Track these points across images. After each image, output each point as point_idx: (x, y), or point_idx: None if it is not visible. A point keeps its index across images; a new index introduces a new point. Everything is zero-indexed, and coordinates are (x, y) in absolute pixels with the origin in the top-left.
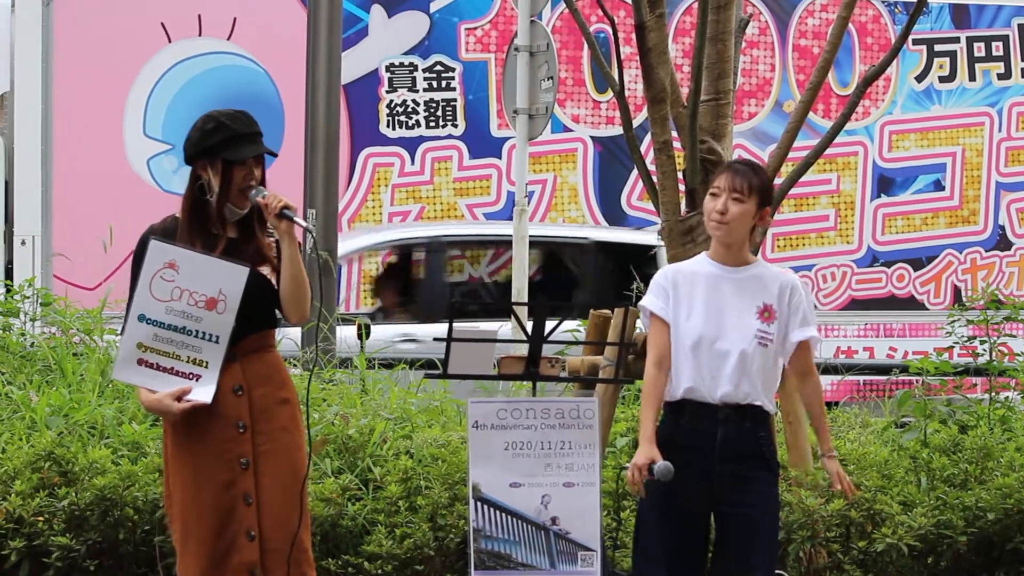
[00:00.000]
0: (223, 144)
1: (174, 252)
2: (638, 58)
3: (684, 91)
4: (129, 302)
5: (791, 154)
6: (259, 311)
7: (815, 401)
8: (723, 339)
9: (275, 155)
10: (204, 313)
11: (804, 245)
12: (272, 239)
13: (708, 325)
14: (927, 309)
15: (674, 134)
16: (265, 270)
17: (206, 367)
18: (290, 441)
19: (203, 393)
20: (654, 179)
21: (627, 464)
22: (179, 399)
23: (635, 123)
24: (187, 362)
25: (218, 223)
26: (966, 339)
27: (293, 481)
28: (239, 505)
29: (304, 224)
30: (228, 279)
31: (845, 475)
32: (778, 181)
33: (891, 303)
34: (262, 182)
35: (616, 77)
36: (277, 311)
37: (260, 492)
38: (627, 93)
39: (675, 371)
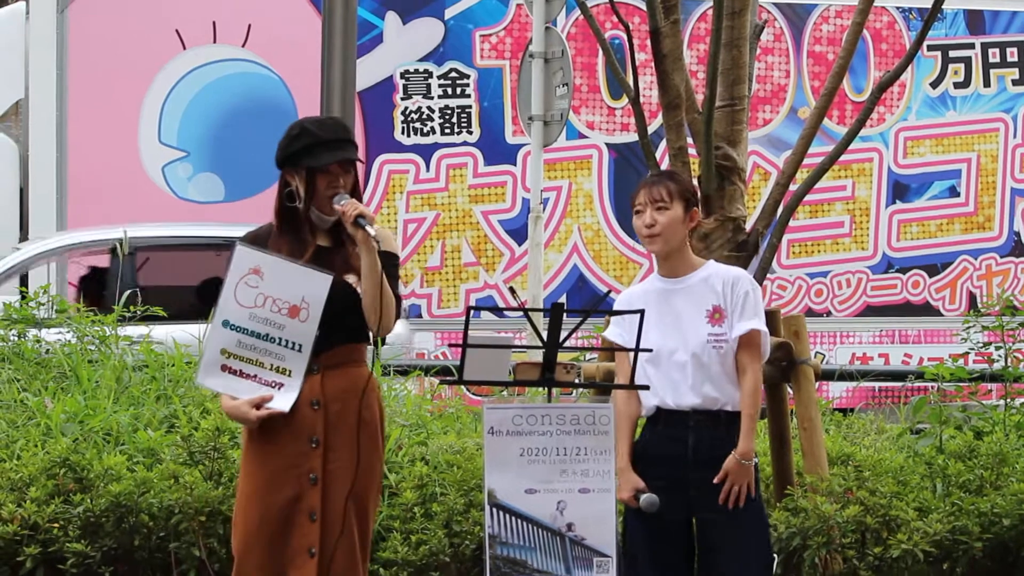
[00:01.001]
0: (306, 150)
1: (259, 258)
2: (653, 64)
3: (699, 97)
4: (215, 307)
5: (806, 160)
6: (343, 322)
7: (744, 398)
8: (680, 350)
9: (361, 161)
10: (287, 320)
11: (819, 252)
12: (357, 249)
13: (664, 339)
14: (942, 315)
15: (689, 140)
16: (352, 279)
17: (289, 375)
18: (364, 462)
19: (283, 402)
20: None
21: None
22: (259, 407)
23: (650, 129)
24: (270, 370)
25: (307, 230)
26: (981, 345)
27: (357, 502)
28: (304, 521)
29: (372, 233)
30: (311, 287)
31: (732, 480)
32: (793, 187)
33: (906, 309)
34: (353, 190)
35: (631, 83)
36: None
37: (326, 510)
38: (642, 99)
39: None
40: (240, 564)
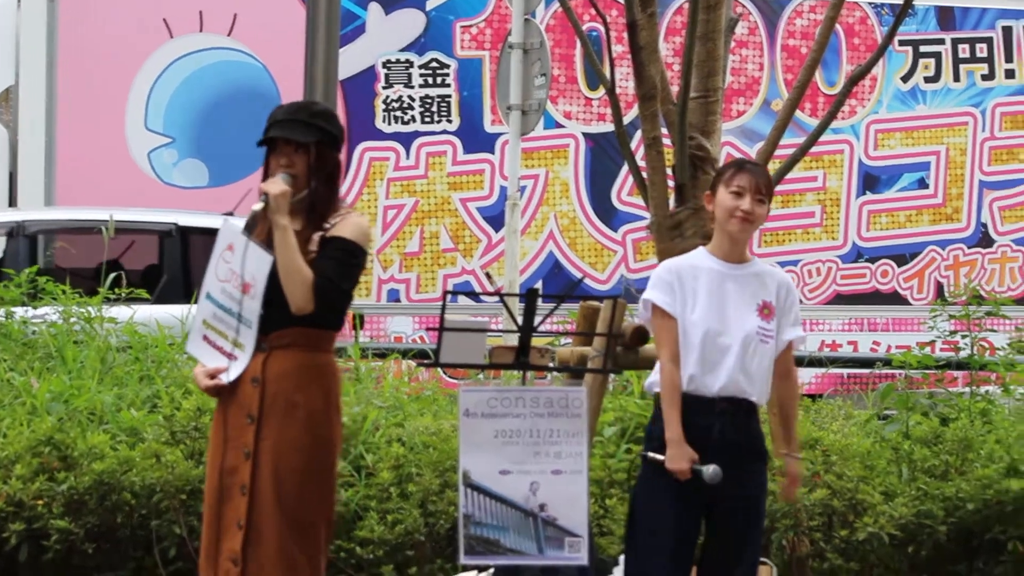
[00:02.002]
0: (267, 130)
1: (233, 235)
2: (629, 56)
3: (674, 89)
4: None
5: (778, 151)
6: (284, 304)
7: (791, 402)
8: (726, 334)
9: (300, 142)
10: (242, 296)
11: (790, 241)
12: (319, 233)
13: (711, 319)
14: (910, 304)
15: (664, 131)
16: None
17: (242, 350)
18: (295, 442)
19: (229, 375)
20: (644, 175)
21: (615, 455)
22: (214, 376)
23: (626, 120)
24: (231, 343)
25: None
26: (948, 333)
27: (286, 477)
28: (236, 494)
29: (254, 208)
30: (257, 265)
31: (799, 482)
32: None
33: (875, 298)
34: (322, 169)
35: (608, 75)
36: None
37: (256, 485)
38: (618, 90)
39: (682, 363)
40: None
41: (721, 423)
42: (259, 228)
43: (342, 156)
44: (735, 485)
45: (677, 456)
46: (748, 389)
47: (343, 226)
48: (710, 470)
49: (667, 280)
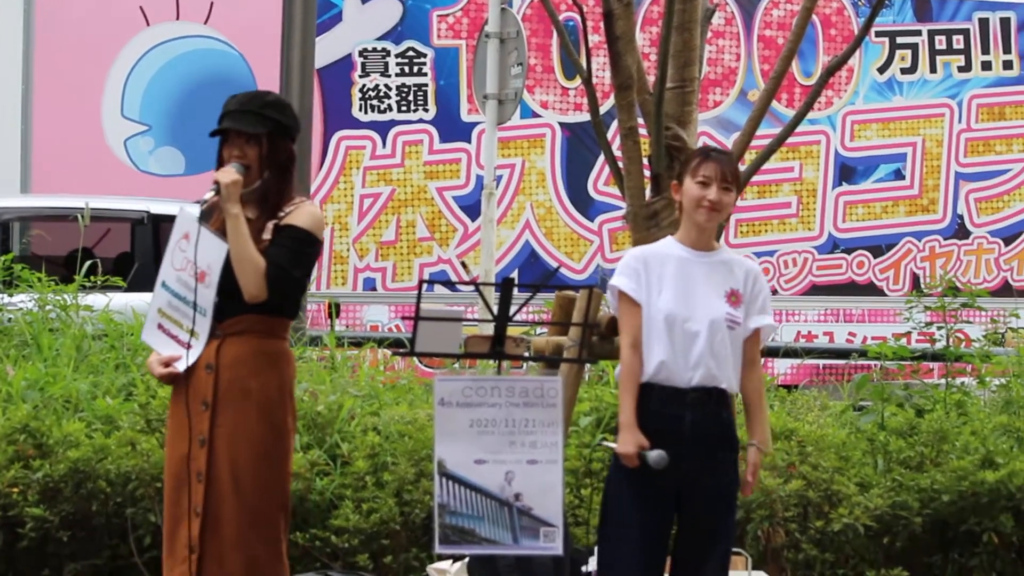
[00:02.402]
0: (219, 121)
1: (189, 223)
2: (605, 46)
3: (651, 79)
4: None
5: (754, 142)
6: (237, 292)
7: (757, 391)
8: (693, 320)
9: (252, 133)
10: (198, 285)
11: (766, 231)
12: (272, 222)
13: (678, 305)
14: (886, 295)
15: (640, 121)
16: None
17: (197, 339)
18: (248, 430)
19: (183, 363)
20: (620, 164)
21: (591, 444)
22: (168, 365)
23: (602, 110)
24: (185, 331)
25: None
26: (924, 325)
27: (243, 465)
28: (193, 481)
29: (203, 198)
30: (212, 253)
31: (758, 472)
32: (742, 168)
33: (851, 289)
34: (270, 161)
35: (584, 64)
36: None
37: (212, 472)
38: (595, 80)
39: (646, 349)
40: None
41: (693, 413)
42: (214, 217)
43: (318, 144)
44: (707, 475)
45: (626, 441)
46: (719, 376)
47: (296, 215)
48: (654, 455)
49: (633, 267)
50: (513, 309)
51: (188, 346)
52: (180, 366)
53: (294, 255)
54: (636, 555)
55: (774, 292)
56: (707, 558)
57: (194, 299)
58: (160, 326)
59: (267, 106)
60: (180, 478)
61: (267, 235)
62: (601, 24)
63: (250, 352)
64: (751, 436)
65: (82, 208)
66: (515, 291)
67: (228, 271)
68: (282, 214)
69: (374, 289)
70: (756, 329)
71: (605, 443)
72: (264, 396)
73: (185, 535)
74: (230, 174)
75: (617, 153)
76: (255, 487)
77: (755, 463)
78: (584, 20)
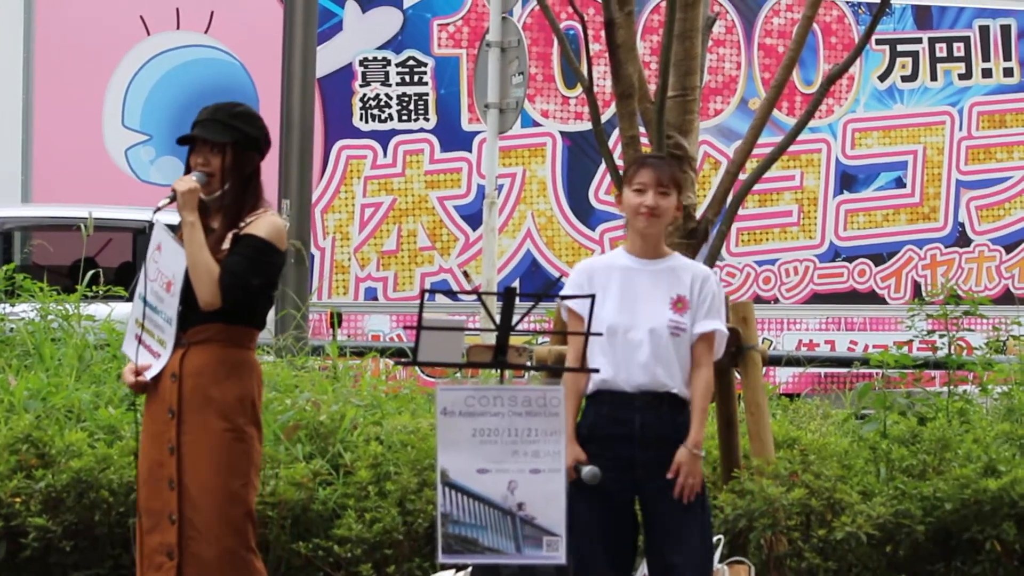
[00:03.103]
0: (191, 129)
1: (161, 235)
2: (606, 55)
3: (652, 87)
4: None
5: (756, 150)
6: (195, 301)
7: (700, 393)
8: (636, 328)
9: (213, 139)
10: (165, 295)
11: (767, 240)
12: (232, 232)
13: (621, 315)
14: (887, 303)
15: (641, 129)
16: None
17: (165, 347)
18: (214, 438)
19: (152, 372)
20: (621, 173)
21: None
22: (140, 374)
23: (603, 119)
24: (156, 340)
25: (201, 210)
26: (926, 333)
27: (208, 471)
28: (164, 488)
29: (157, 205)
30: (176, 262)
31: (686, 473)
32: (743, 177)
33: (852, 297)
34: (233, 171)
35: (585, 73)
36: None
37: (183, 479)
38: (595, 89)
39: (590, 361)
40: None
41: (642, 416)
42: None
43: (318, 154)
44: (658, 476)
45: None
46: (668, 382)
47: (256, 224)
48: (586, 470)
49: (577, 281)
50: (515, 319)
51: (157, 355)
52: (148, 375)
53: (250, 263)
54: (601, 554)
55: (775, 301)
56: (670, 555)
57: (163, 308)
58: (138, 337)
59: (235, 116)
60: (152, 485)
61: (226, 244)
62: (601, 33)
63: (212, 361)
64: (687, 438)
65: (85, 218)
66: (517, 300)
67: (189, 279)
68: (243, 224)
69: (375, 299)
70: (703, 334)
71: None
72: (224, 404)
73: (159, 541)
74: (188, 182)
75: (619, 162)
76: (224, 493)
77: (678, 463)
78: (585, 29)
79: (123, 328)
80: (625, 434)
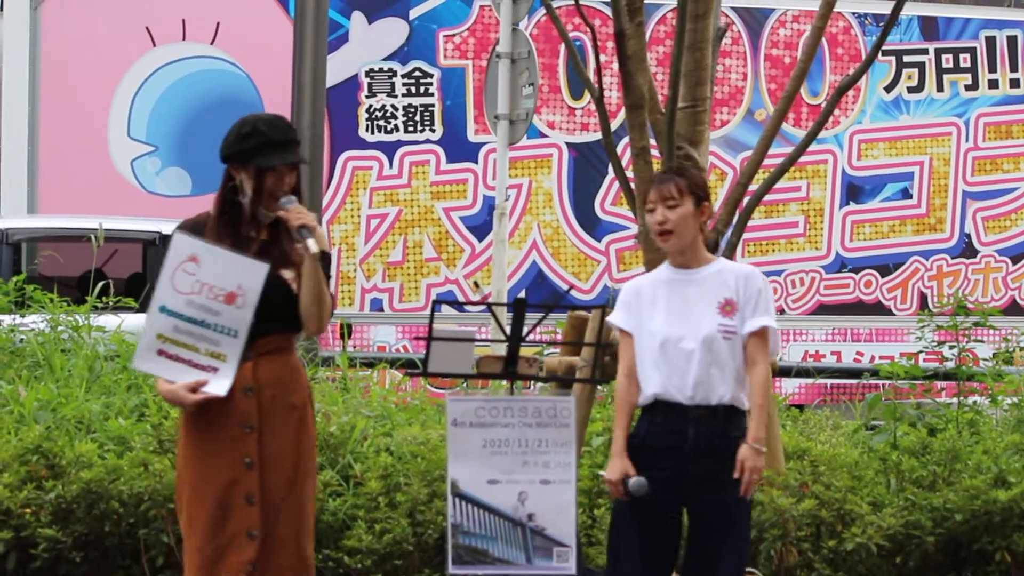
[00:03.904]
0: (257, 150)
1: (196, 246)
2: (613, 66)
3: (661, 98)
4: (153, 293)
5: (764, 161)
6: (275, 313)
7: (755, 390)
8: (687, 338)
9: (306, 162)
10: (223, 307)
11: (774, 251)
12: (299, 245)
13: (671, 327)
14: (894, 315)
15: (652, 140)
16: (288, 275)
17: (224, 360)
18: (298, 446)
19: (218, 386)
20: (631, 184)
21: (603, 464)
22: (195, 391)
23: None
24: (205, 355)
25: (249, 224)
26: (935, 344)
27: (294, 484)
28: (241, 504)
29: (313, 249)
30: (247, 274)
31: (750, 468)
32: (752, 188)
33: (858, 308)
34: (295, 189)
35: (595, 83)
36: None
37: (264, 493)
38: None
39: (642, 377)
40: (186, 549)
41: (696, 429)
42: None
43: (326, 164)
44: (714, 489)
45: (613, 468)
46: (721, 390)
47: (322, 239)
48: (633, 482)
49: (625, 300)
50: (525, 329)
51: (212, 369)
52: (218, 389)
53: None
54: (640, 570)
55: (781, 312)
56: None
57: (216, 321)
58: (162, 352)
59: (296, 132)
60: (225, 503)
61: (300, 258)
62: (608, 44)
63: (286, 369)
64: (748, 433)
65: (95, 229)
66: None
67: (263, 293)
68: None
69: (381, 309)
70: (754, 331)
71: (598, 471)
72: (302, 410)
73: (237, 559)
74: (305, 213)
75: (628, 173)
76: (303, 500)
77: (742, 459)
78: (596, 39)
79: (133, 339)
80: (678, 445)
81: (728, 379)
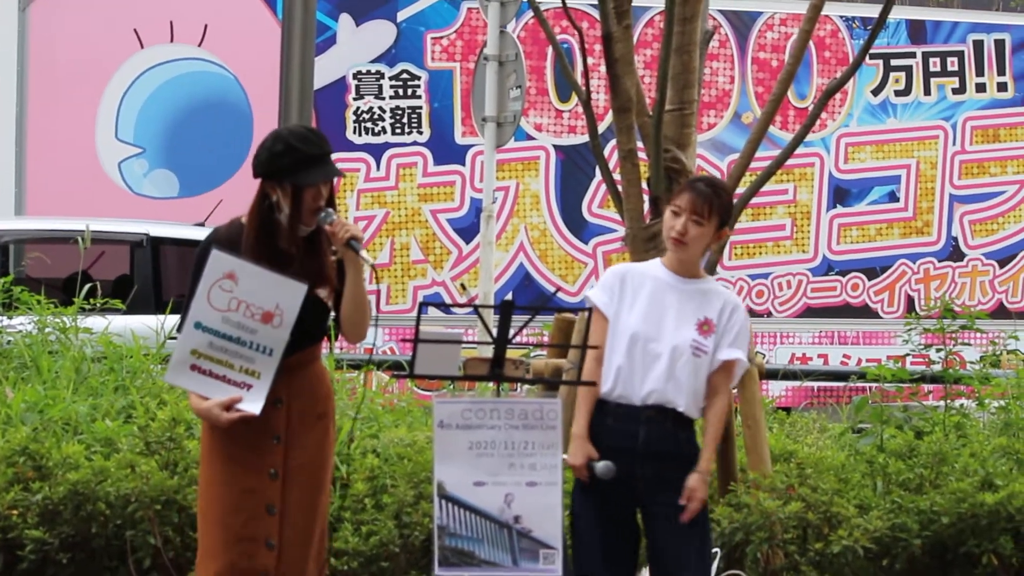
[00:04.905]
0: (292, 167)
1: (234, 263)
2: (600, 68)
3: (648, 101)
4: (186, 307)
5: (751, 164)
6: (310, 329)
7: (713, 420)
8: (657, 341)
9: (343, 175)
10: (260, 326)
11: (761, 254)
12: (334, 258)
13: (646, 325)
14: (880, 318)
15: (639, 143)
16: (323, 292)
17: (258, 378)
18: (322, 457)
19: (252, 404)
20: (618, 187)
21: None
22: (228, 408)
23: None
24: (239, 371)
25: (286, 239)
26: (922, 347)
27: (315, 491)
28: (262, 514)
29: (369, 260)
30: (286, 295)
31: (696, 497)
32: (740, 191)
33: (845, 311)
34: (330, 201)
35: (582, 86)
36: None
37: (286, 504)
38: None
39: (606, 363)
40: (201, 556)
41: (647, 430)
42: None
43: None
44: (663, 492)
45: (575, 452)
46: (675, 399)
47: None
48: (600, 465)
49: (610, 283)
50: (512, 332)
51: (246, 386)
52: (252, 408)
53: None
54: (601, 569)
55: (768, 314)
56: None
57: (252, 339)
58: (195, 367)
59: (328, 143)
60: (244, 512)
61: (334, 272)
62: (595, 46)
63: (313, 380)
64: (699, 461)
65: (82, 230)
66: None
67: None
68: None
69: None
70: (725, 362)
71: (563, 456)
72: (328, 417)
73: (253, 566)
74: (349, 225)
75: (615, 176)
76: (322, 511)
77: (692, 488)
78: (583, 42)
79: (120, 341)
80: (628, 447)
81: (683, 393)
